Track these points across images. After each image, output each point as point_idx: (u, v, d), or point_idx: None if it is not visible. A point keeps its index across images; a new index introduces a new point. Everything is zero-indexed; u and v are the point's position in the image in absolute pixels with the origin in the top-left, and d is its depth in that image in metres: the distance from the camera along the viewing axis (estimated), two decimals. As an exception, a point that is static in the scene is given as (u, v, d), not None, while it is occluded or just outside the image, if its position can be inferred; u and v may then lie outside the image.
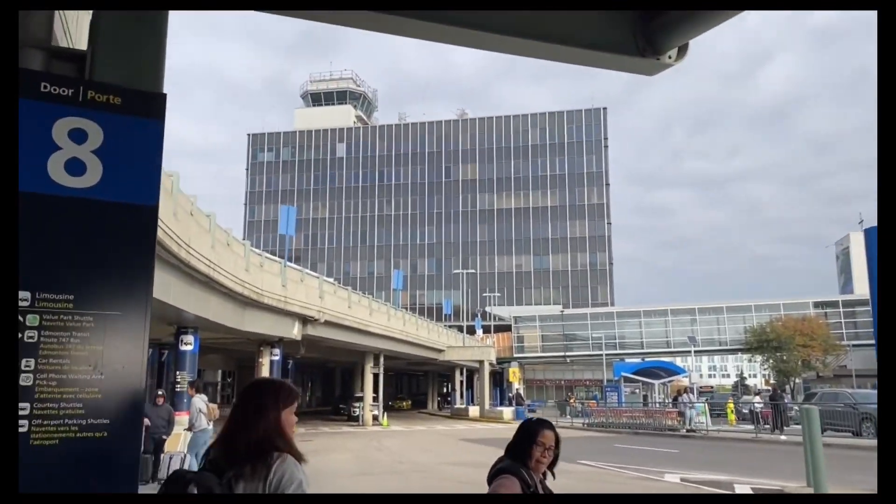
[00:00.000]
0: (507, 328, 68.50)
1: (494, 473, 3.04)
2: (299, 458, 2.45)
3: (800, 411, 12.06)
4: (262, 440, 2.39)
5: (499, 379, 66.44)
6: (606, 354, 58.09)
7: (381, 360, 38.11)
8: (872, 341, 48.59)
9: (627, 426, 30.19)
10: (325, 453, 19.83)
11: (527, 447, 3.09)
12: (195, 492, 2.31)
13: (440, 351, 48.51)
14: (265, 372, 25.29)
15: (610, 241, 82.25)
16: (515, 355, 65.14)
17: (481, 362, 50.88)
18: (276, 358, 25.99)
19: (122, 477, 1.94)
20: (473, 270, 78.62)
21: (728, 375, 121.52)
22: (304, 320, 25.68)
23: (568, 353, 65.36)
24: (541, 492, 3.05)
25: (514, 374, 53.06)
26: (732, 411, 30.41)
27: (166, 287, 14.67)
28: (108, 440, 1.91)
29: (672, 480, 13.40)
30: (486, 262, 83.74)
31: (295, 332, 25.21)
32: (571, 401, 45.05)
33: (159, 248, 13.62)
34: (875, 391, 30.16)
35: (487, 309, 70.73)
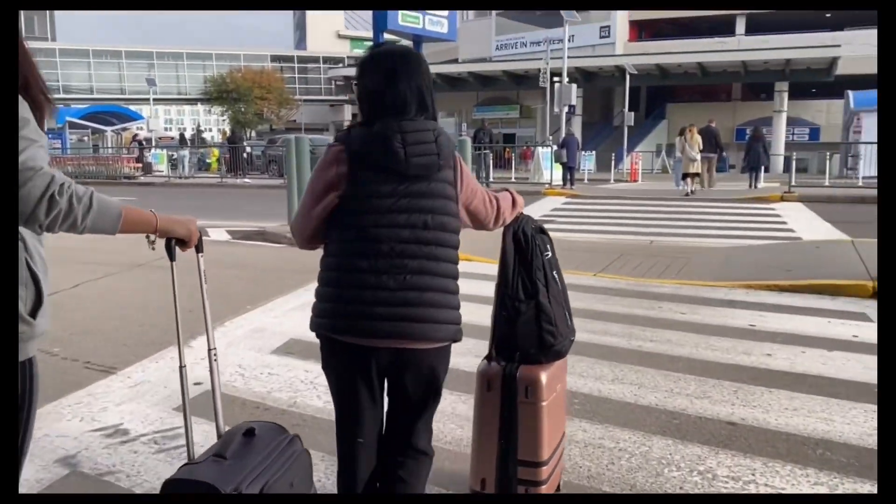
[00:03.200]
0: None
1: None
2: None
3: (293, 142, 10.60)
4: None
5: None
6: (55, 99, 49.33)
7: None
8: (322, 97, 51.59)
9: (75, 175, 26.03)
10: None
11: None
12: None
13: None
14: None
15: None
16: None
17: None
18: None
19: None
20: None
21: (185, 129, 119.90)
22: None
23: None
24: None
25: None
26: (217, 159, 28.99)
27: None
28: None
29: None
30: None
31: None
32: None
33: None
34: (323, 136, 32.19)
35: None
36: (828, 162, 25.73)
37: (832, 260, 7.33)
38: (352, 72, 46.00)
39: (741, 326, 5.17)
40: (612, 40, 38.63)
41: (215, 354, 2.11)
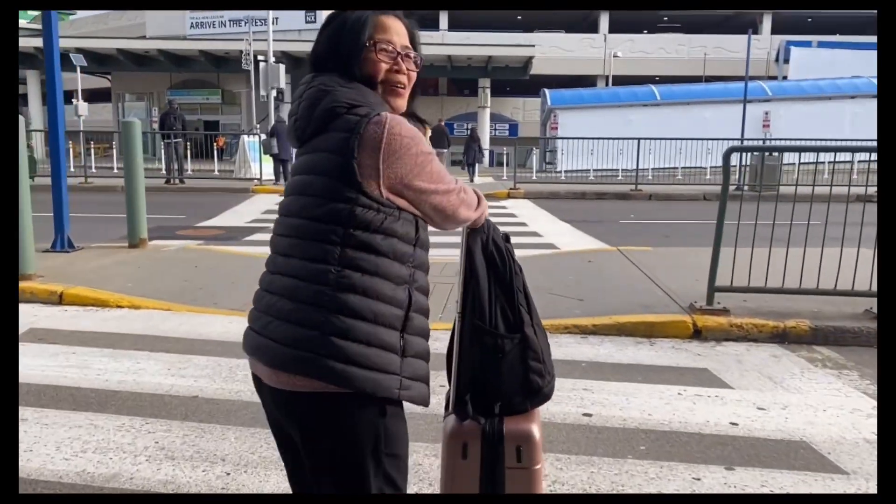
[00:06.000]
0: None
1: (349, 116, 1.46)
2: None
3: None
4: None
5: None
6: None
7: None
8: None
9: None
10: None
11: (355, 54, 1.53)
12: None
13: None
14: None
15: None
16: None
17: None
18: None
19: None
20: None
21: None
22: None
23: None
24: None
25: None
26: None
27: None
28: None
29: None
30: None
31: None
32: None
33: None
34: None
35: None
36: (534, 157, 26.57)
37: (617, 279, 5.96)
38: (27, 42, 37.72)
39: (573, 421, 3.30)
40: (318, 26, 36.52)
41: None
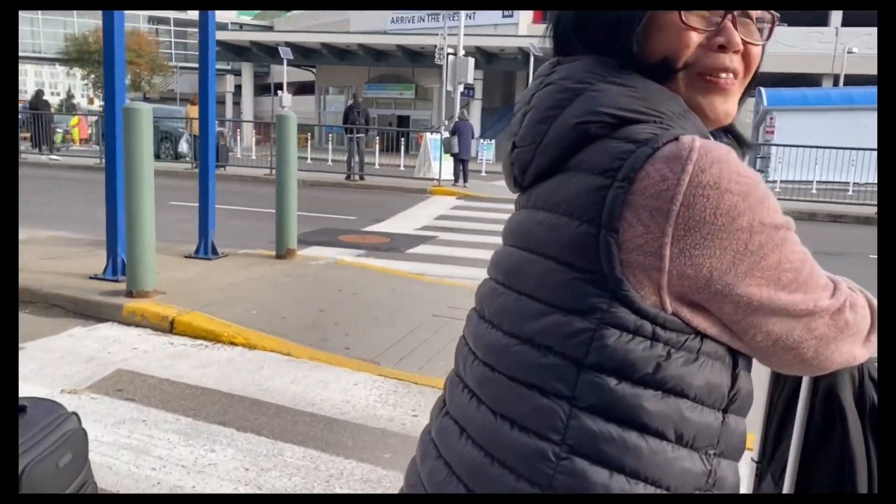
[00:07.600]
0: None
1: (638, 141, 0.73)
2: None
3: None
4: None
5: None
6: None
7: None
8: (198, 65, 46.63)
9: None
10: None
11: (634, 17, 0.81)
12: None
13: None
14: None
15: None
16: None
17: None
18: None
19: None
20: None
21: (58, 93, 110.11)
22: None
23: None
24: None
25: None
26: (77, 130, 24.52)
27: None
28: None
29: None
30: None
31: None
32: None
33: None
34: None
35: None
36: (744, 164, 23.63)
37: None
38: (235, 36, 40.62)
39: None
40: (516, 20, 35.62)
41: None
